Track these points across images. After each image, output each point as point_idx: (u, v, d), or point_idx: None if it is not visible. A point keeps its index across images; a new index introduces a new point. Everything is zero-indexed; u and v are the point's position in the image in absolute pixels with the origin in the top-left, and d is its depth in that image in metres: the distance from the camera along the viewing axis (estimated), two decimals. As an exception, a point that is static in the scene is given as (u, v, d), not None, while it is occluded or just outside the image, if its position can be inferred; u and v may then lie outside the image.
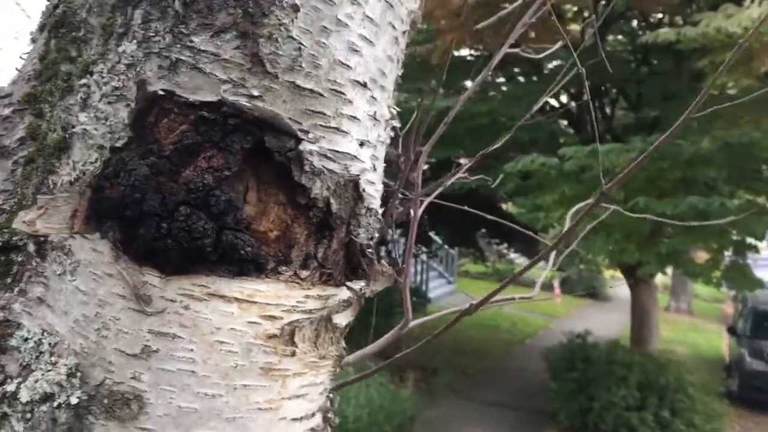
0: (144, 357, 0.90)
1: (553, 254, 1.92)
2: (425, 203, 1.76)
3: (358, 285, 1.04)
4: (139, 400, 0.90)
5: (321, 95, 0.93)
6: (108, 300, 0.90)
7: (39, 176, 1.01)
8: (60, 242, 0.94)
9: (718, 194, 8.18)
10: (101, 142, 0.90)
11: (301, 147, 0.92)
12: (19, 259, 1.00)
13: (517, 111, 8.89)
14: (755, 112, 7.91)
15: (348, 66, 0.95)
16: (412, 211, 1.67)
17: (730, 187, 9.21)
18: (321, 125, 0.94)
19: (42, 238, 0.96)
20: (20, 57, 1.17)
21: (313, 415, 1.04)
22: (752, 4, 6.49)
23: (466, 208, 2.37)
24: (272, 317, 0.94)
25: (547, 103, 11.02)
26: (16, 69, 1.13)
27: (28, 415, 0.91)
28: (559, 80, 1.75)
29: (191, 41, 0.87)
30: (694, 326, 20.90)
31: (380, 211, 1.09)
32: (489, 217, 2.25)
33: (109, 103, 0.91)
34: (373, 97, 1.01)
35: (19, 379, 0.93)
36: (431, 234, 17.00)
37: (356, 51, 0.96)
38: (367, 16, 0.96)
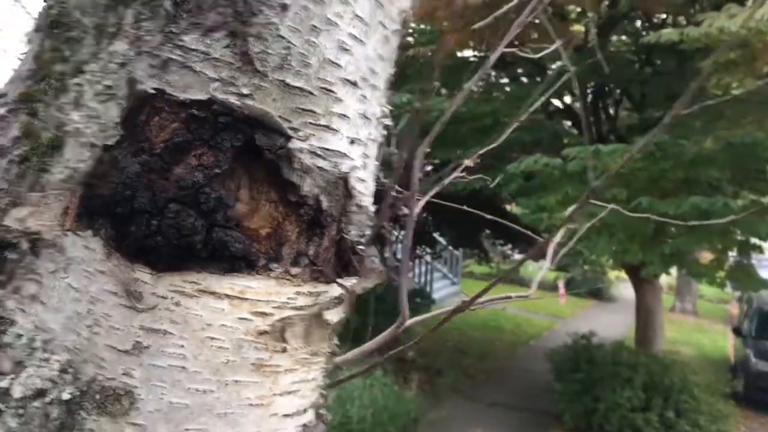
0: (135, 353, 0.90)
1: (550, 253, 1.92)
2: (422, 202, 1.77)
3: (349, 282, 1.05)
4: (130, 396, 0.90)
5: (311, 93, 0.94)
6: (100, 297, 0.91)
7: (33, 175, 1.02)
8: (53, 240, 0.95)
9: (721, 194, 8.16)
10: (93, 141, 0.91)
11: (290, 145, 0.93)
12: (13, 256, 1.00)
13: (520, 112, 8.87)
14: (758, 112, 7.90)
15: (338, 65, 0.96)
16: (410, 210, 1.67)
17: (734, 188, 9.19)
18: (311, 123, 0.95)
19: (35, 236, 0.97)
20: (17, 57, 1.18)
21: (305, 411, 1.05)
22: (754, 4, 6.48)
23: (465, 207, 2.38)
24: (263, 314, 0.95)
25: (551, 103, 11.04)
26: (12, 69, 1.15)
27: (21, 411, 0.92)
28: (550, 83, 1.75)
29: (181, 40, 0.88)
30: (699, 327, 20.86)
31: (372, 208, 1.10)
32: (488, 216, 2.25)
33: (101, 101, 0.92)
34: (363, 95, 1.01)
35: (12, 376, 0.94)
36: (435, 235, 17.01)
37: (346, 50, 0.96)
38: (357, 15, 0.97)
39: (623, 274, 13.92)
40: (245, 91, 0.89)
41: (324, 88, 0.95)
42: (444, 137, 8.90)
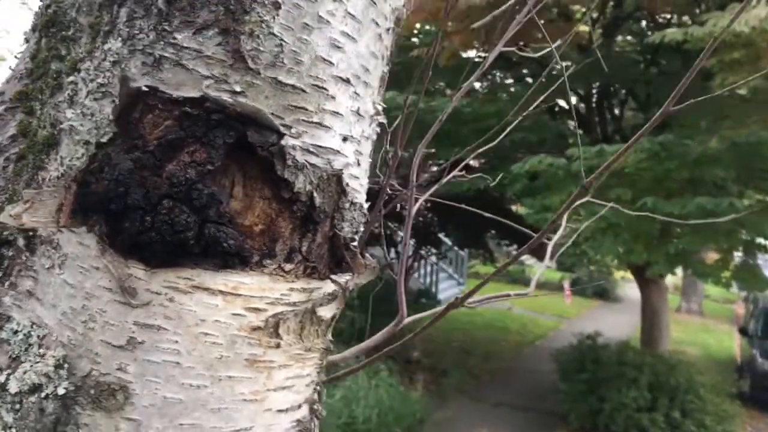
0: (130, 348, 0.91)
1: (549, 252, 1.92)
2: (421, 200, 1.77)
3: (342, 278, 1.05)
4: (125, 391, 0.91)
5: (303, 91, 0.94)
6: (95, 293, 0.92)
7: (29, 172, 1.03)
8: (48, 236, 0.96)
9: (727, 194, 8.14)
10: (87, 138, 0.92)
11: (283, 142, 0.93)
12: (10, 253, 1.02)
13: (531, 112, 8.87)
14: (763, 111, 7.88)
15: (330, 62, 0.96)
16: (409, 208, 1.68)
17: (739, 187, 9.16)
18: (303, 120, 0.95)
19: (31, 233, 0.98)
20: (15, 56, 1.19)
21: (299, 406, 1.06)
22: (759, 4, 6.47)
23: (464, 206, 2.38)
24: (256, 309, 0.96)
25: (556, 104, 11.03)
26: (10, 68, 1.16)
27: (17, 406, 0.93)
28: (544, 84, 1.75)
29: (174, 38, 0.89)
30: (705, 327, 20.80)
31: (366, 205, 1.10)
32: (487, 215, 2.26)
33: (95, 99, 0.93)
34: (356, 92, 1.02)
35: (9, 371, 0.95)
36: (441, 235, 17.00)
37: (338, 47, 0.97)
38: (349, 13, 0.98)
39: (629, 275, 13.88)
40: (237, 88, 0.90)
41: (316, 86, 0.95)
42: (449, 137, 8.89)
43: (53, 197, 0.90)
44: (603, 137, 10.68)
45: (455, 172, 1.92)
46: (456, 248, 21.08)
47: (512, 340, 16.44)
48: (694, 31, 7.04)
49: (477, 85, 11.70)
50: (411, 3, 1.16)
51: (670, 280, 13.85)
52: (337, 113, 0.99)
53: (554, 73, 10.92)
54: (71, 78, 0.98)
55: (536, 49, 2.30)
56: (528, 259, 23.23)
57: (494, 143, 1.89)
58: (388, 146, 1.52)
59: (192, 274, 0.92)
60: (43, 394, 0.92)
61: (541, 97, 1.91)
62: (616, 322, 17.80)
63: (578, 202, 1.35)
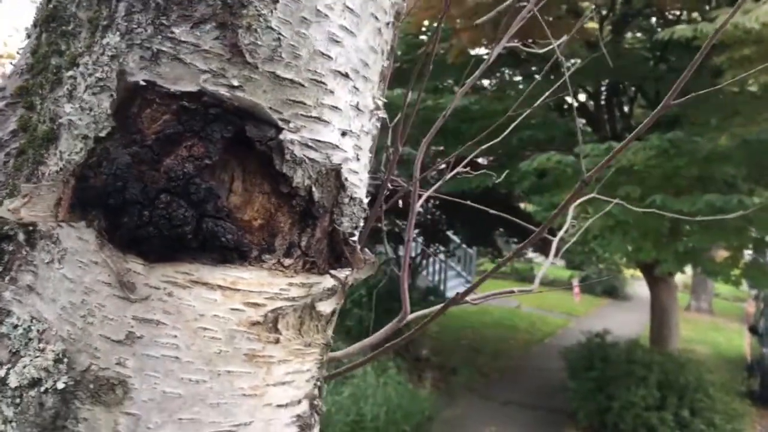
0: (129, 343, 0.91)
1: (554, 248, 1.92)
2: (425, 196, 1.77)
3: (342, 273, 1.05)
4: (124, 386, 0.91)
5: (301, 85, 0.94)
6: (94, 287, 0.92)
7: (30, 167, 1.04)
8: (48, 231, 0.96)
9: (737, 192, 8.09)
10: (86, 132, 0.92)
11: (281, 136, 0.93)
12: (10, 248, 1.02)
13: (533, 110, 8.86)
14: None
15: (328, 56, 0.96)
16: (412, 204, 1.68)
17: (749, 185, 9.11)
18: (302, 115, 0.95)
19: (31, 228, 0.98)
20: (17, 52, 1.20)
21: (299, 402, 1.06)
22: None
23: (472, 203, 2.38)
24: (255, 304, 0.96)
25: (564, 101, 10.99)
26: (11, 63, 1.16)
27: (17, 400, 0.93)
28: (544, 81, 1.74)
29: (172, 32, 0.89)
30: (715, 325, 20.70)
31: (366, 200, 1.10)
32: (495, 212, 2.25)
33: (94, 93, 0.93)
34: (355, 87, 1.02)
35: (9, 365, 0.95)
36: (449, 233, 16.98)
37: (337, 41, 0.97)
38: (348, 7, 0.97)
39: (638, 273, 13.84)
40: (235, 82, 0.90)
41: (315, 80, 0.95)
42: (457, 135, 8.85)
43: (51, 192, 0.91)
44: (612, 134, 10.63)
45: (459, 168, 1.92)
46: (464, 246, 21.04)
47: (521, 338, 16.42)
48: (703, 27, 7.00)
49: (486, 82, 11.67)
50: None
51: (679, 278, 13.80)
52: (336, 108, 0.99)
53: (562, 70, 10.92)
54: (70, 73, 0.98)
55: (543, 46, 2.29)
56: (537, 257, 23.19)
57: (499, 139, 1.88)
58: (389, 142, 1.52)
59: (190, 269, 0.92)
60: (42, 389, 0.92)
61: (546, 93, 1.90)
62: (625, 321, 17.74)
63: (582, 199, 1.35)
